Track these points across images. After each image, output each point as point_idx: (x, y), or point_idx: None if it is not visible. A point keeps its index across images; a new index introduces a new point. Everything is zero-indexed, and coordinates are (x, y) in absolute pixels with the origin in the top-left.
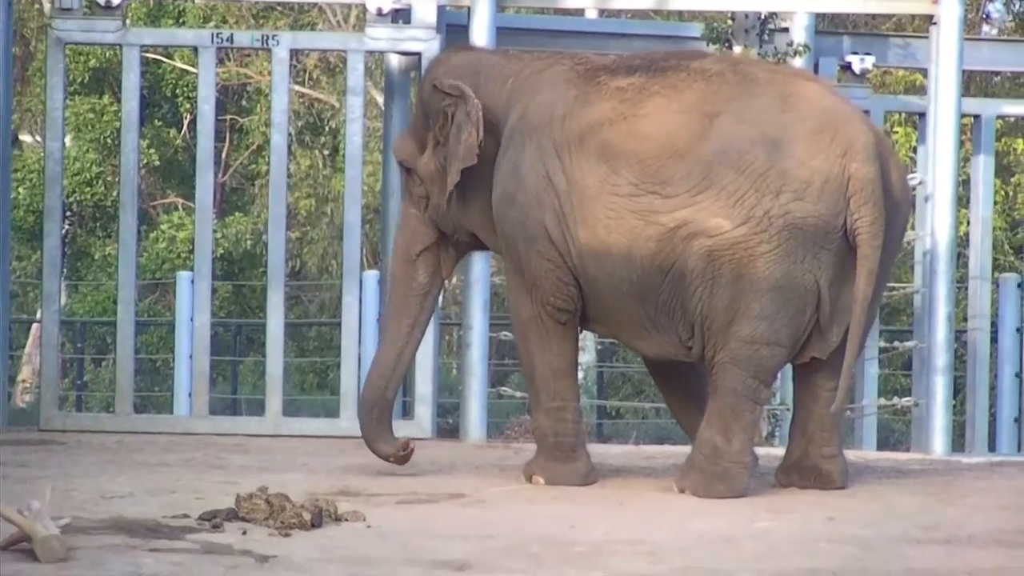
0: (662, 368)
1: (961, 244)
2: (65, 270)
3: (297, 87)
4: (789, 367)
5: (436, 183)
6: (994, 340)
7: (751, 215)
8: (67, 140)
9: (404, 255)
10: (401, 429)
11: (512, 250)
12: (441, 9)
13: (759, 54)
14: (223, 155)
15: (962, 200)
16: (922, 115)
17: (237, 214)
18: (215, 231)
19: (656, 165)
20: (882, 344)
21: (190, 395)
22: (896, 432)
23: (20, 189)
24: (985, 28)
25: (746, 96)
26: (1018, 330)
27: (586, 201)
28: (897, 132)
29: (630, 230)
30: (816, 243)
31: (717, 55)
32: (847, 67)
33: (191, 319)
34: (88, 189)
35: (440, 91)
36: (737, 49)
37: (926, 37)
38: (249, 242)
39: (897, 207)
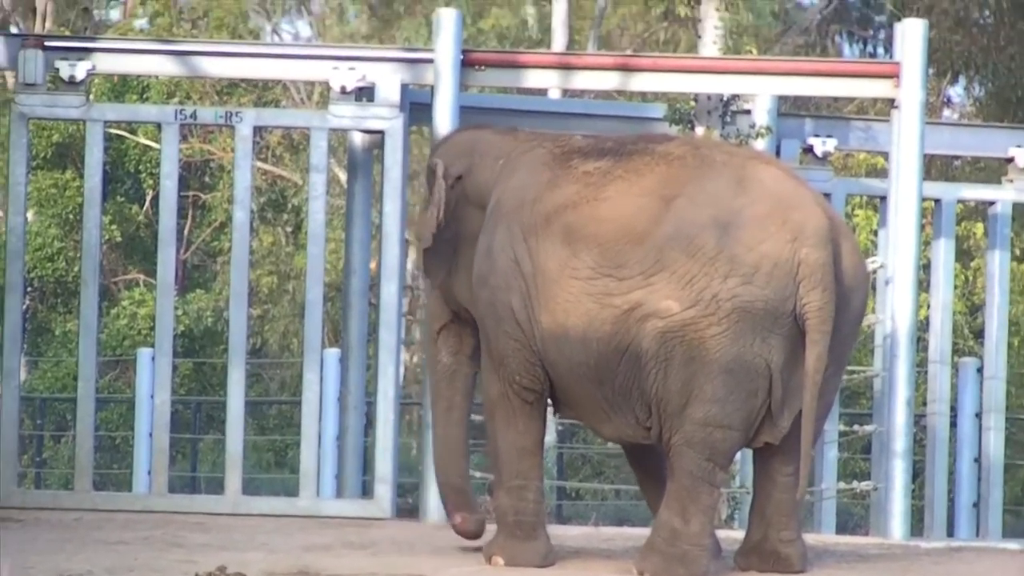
0: (636, 450)
1: (921, 328)
2: (25, 345)
3: (260, 164)
4: (749, 450)
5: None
6: (953, 425)
7: (700, 298)
8: (29, 215)
9: (429, 335)
10: (360, 508)
11: (484, 329)
12: (404, 88)
13: (721, 135)
14: (185, 231)
15: (922, 284)
16: (883, 198)
17: (199, 291)
18: (176, 308)
19: (614, 248)
20: (841, 428)
21: (149, 472)
22: (855, 516)
23: None
24: (946, 112)
25: (702, 179)
26: (977, 415)
27: (548, 284)
28: (858, 215)
29: (586, 313)
30: (766, 327)
31: (684, 138)
32: (809, 149)
33: (151, 396)
34: (49, 264)
35: (431, 170)
36: (700, 130)
37: (888, 121)
38: (210, 319)
39: (850, 292)
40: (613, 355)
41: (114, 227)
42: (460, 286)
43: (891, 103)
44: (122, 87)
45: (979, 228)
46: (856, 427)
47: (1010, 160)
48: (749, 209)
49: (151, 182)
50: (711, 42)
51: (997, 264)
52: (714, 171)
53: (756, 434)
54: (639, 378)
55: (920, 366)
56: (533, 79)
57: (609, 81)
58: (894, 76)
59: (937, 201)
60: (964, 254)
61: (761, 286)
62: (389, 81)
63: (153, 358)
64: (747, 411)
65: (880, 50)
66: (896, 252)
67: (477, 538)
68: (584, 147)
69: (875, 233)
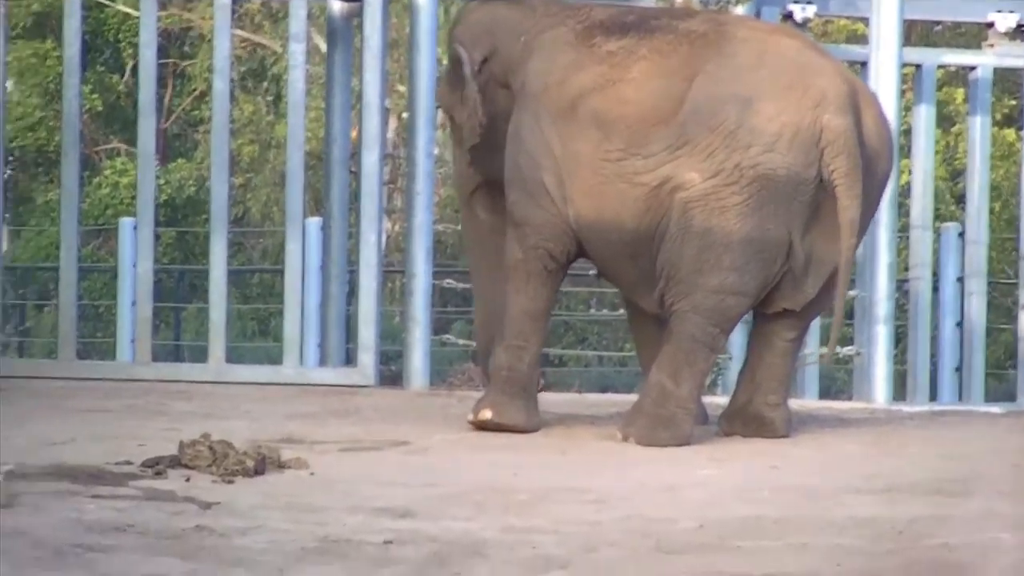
0: (640, 319)
1: (902, 194)
2: (7, 215)
3: (240, 32)
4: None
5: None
6: (935, 290)
7: (721, 168)
8: (9, 85)
9: (461, 198)
10: (343, 376)
11: (511, 201)
12: None
13: (701, 2)
14: (166, 101)
15: (903, 150)
16: (863, 64)
17: (180, 160)
18: (158, 177)
19: (642, 130)
20: None
21: (133, 341)
22: (838, 381)
23: None
24: None
25: (723, 56)
26: (959, 279)
27: (580, 168)
28: None
29: (619, 193)
30: (788, 195)
31: (706, 14)
32: (789, 16)
33: (134, 265)
34: (30, 134)
35: (456, 55)
36: None
37: None
38: (192, 188)
39: (876, 156)
40: (647, 231)
41: (95, 96)
42: (491, 160)
43: None
44: None
45: (960, 93)
46: None
47: (990, 25)
48: (770, 82)
49: (131, 51)
50: None
51: (978, 129)
52: (735, 46)
53: (776, 299)
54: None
55: (902, 231)
56: None
57: None
58: None
59: (918, 67)
60: (945, 119)
61: (783, 153)
62: None
63: (135, 227)
64: (763, 279)
65: None
66: None
67: None
68: (606, 21)
69: None
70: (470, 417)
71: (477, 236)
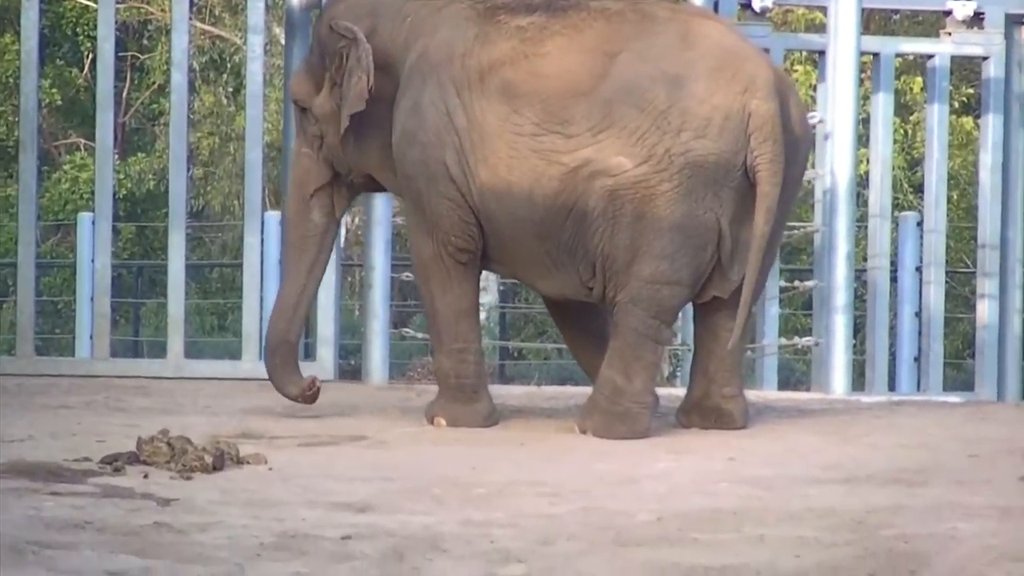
0: (562, 308)
1: (861, 183)
2: None
3: (199, 24)
4: (690, 307)
5: (332, 123)
6: (894, 279)
7: (652, 153)
8: None
9: (298, 195)
10: (303, 370)
11: (412, 190)
12: None
13: None
14: (124, 95)
15: (862, 139)
16: (822, 53)
17: (139, 154)
18: (117, 171)
19: (558, 105)
20: (782, 284)
21: (91, 337)
22: (796, 372)
23: None
24: None
25: (646, 35)
26: (917, 269)
27: (487, 139)
28: (797, 71)
29: (532, 169)
30: (717, 181)
31: None
32: (747, 5)
33: (92, 260)
34: None
35: (336, 32)
36: None
37: None
38: (152, 182)
39: (797, 144)
40: (559, 212)
41: (54, 91)
42: (364, 150)
43: None
44: None
45: (917, 82)
46: (797, 283)
47: (948, 13)
48: (699, 62)
49: (89, 45)
50: None
51: (936, 118)
52: (658, 26)
53: (705, 288)
54: (584, 235)
55: (860, 221)
56: None
57: None
58: None
59: (876, 55)
60: (903, 108)
61: (714, 139)
62: None
63: (94, 222)
64: (696, 267)
65: None
66: (835, 107)
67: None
68: (508, 3)
69: (814, 88)
70: (425, 420)
71: (306, 238)
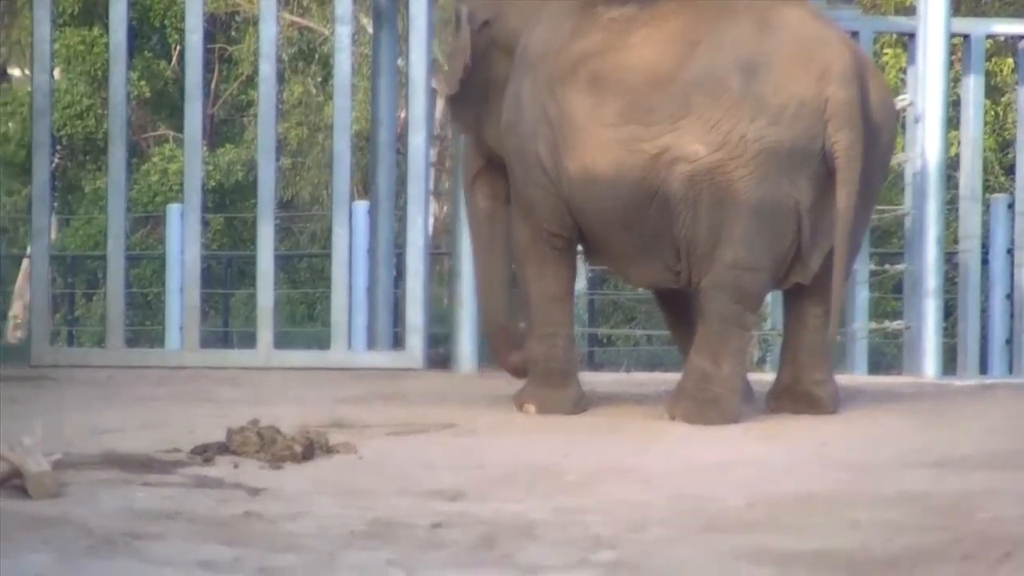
0: (666, 295)
1: (951, 166)
2: (56, 204)
3: (288, 15)
4: (780, 292)
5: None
6: (985, 262)
7: (727, 140)
8: (57, 73)
9: (465, 183)
10: (392, 360)
11: (512, 177)
12: None
13: None
14: (212, 86)
15: (952, 121)
16: (911, 36)
17: (228, 145)
18: (206, 163)
19: (641, 95)
20: (872, 267)
21: (181, 328)
22: (887, 356)
23: (10, 123)
24: None
25: (726, 23)
26: (1009, 251)
27: (576, 131)
28: (887, 54)
29: (615, 159)
30: (794, 167)
31: None
32: None
33: (182, 252)
34: (79, 122)
35: (455, 17)
36: None
37: None
38: (240, 173)
39: (879, 130)
40: (643, 200)
41: (143, 83)
42: (490, 132)
43: None
44: None
45: (1008, 63)
46: (887, 266)
47: None
48: (775, 50)
49: (177, 37)
50: None
51: None
52: (737, 15)
53: (786, 275)
54: (668, 222)
55: (951, 203)
56: None
57: None
58: None
59: (966, 37)
60: (994, 90)
61: (788, 126)
62: None
63: (183, 213)
64: (776, 252)
65: None
66: (925, 89)
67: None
68: None
69: (904, 71)
70: (514, 407)
71: (477, 224)
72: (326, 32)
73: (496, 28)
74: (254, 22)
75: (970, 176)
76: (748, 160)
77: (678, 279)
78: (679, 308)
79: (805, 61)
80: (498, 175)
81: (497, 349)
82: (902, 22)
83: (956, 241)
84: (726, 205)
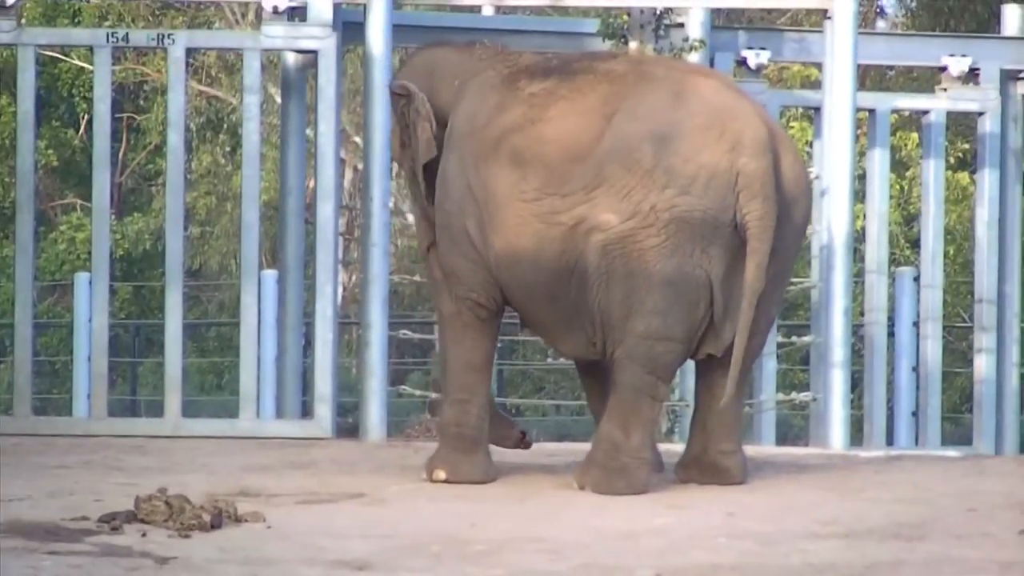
0: (587, 366)
1: (857, 239)
2: None
3: (196, 85)
4: (691, 362)
5: (413, 181)
6: (891, 334)
7: (638, 210)
8: None
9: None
10: (300, 429)
11: (440, 247)
12: (337, 7)
13: (655, 49)
14: (121, 155)
15: (858, 194)
16: (818, 109)
17: (136, 214)
18: (114, 231)
19: (559, 168)
20: (780, 339)
21: (89, 396)
22: (795, 427)
23: None
24: (880, 23)
25: (641, 94)
26: (915, 324)
27: (499, 207)
28: (794, 127)
29: (535, 233)
30: (705, 238)
31: (629, 55)
32: (743, 62)
33: (89, 320)
34: None
35: (394, 93)
36: (633, 45)
37: (821, 32)
38: (148, 242)
39: (792, 202)
40: (563, 273)
41: (50, 152)
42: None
43: (824, 13)
44: (54, 11)
45: (913, 138)
46: (794, 338)
47: (943, 69)
48: (687, 121)
49: (86, 106)
50: None
51: (932, 173)
52: (653, 85)
53: (699, 346)
54: (585, 293)
55: (857, 276)
56: None
57: None
58: None
59: (871, 111)
60: (899, 164)
61: (699, 195)
62: (322, 0)
63: (91, 282)
64: (689, 323)
65: None
66: (832, 163)
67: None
68: (531, 66)
69: (810, 144)
70: (423, 476)
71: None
72: (234, 102)
73: (432, 105)
74: (162, 91)
75: (876, 249)
76: (659, 229)
77: (595, 349)
78: (598, 379)
79: (717, 131)
80: None
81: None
82: (808, 96)
83: (863, 313)
84: (638, 275)
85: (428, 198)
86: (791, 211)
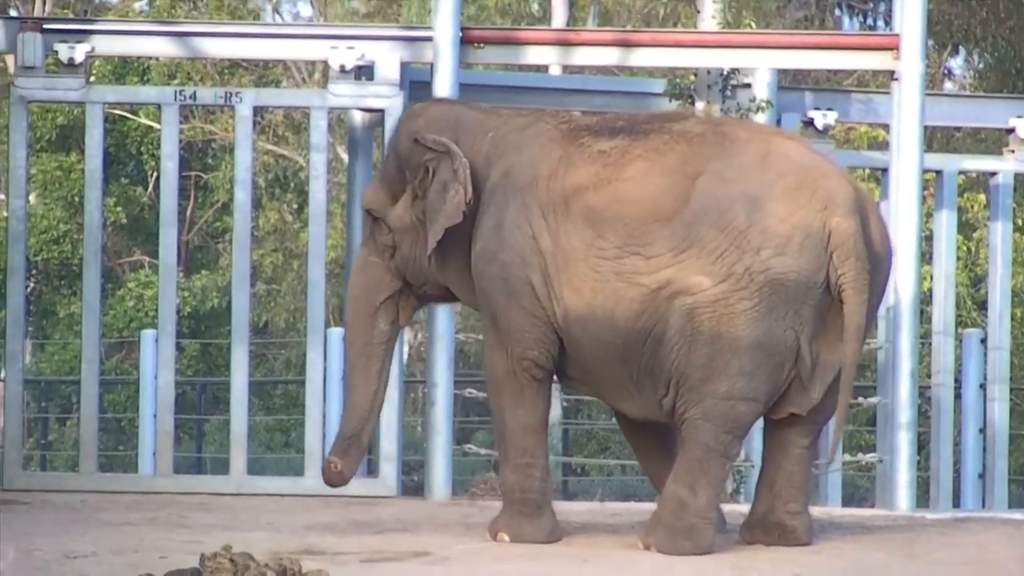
0: (637, 426)
1: (924, 300)
2: (30, 328)
3: (263, 143)
4: (758, 423)
5: (408, 235)
6: (958, 396)
7: (732, 272)
8: (33, 198)
9: (366, 303)
10: (365, 487)
11: (490, 306)
12: (404, 66)
13: (722, 110)
14: (188, 212)
15: (925, 256)
16: (884, 171)
17: (203, 272)
18: (181, 289)
19: (641, 228)
20: None
21: (154, 454)
22: (861, 488)
23: None
24: (947, 84)
25: (726, 156)
26: (981, 386)
27: (572, 263)
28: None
29: (614, 292)
30: (797, 299)
31: (699, 116)
32: (810, 123)
33: (156, 377)
34: (55, 247)
35: (422, 145)
36: (700, 105)
37: (888, 93)
38: (215, 299)
39: (879, 261)
40: (640, 334)
41: (119, 209)
42: (443, 264)
43: (891, 75)
44: (123, 69)
45: (981, 199)
46: (861, 399)
47: (1011, 131)
48: (778, 182)
49: (153, 163)
50: (710, 16)
51: (999, 235)
52: (737, 147)
53: (782, 405)
54: (662, 355)
55: (924, 338)
56: (533, 56)
57: (609, 57)
58: (894, 48)
59: (939, 172)
60: (966, 225)
61: (794, 257)
62: (388, 59)
63: (157, 339)
64: (773, 384)
65: (879, 22)
66: (898, 224)
67: (338, 487)
68: (592, 125)
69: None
70: (487, 536)
71: (369, 344)
72: (301, 160)
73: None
74: (230, 149)
75: (943, 310)
76: (752, 292)
77: (664, 411)
78: (650, 439)
79: (809, 192)
80: (406, 301)
81: (333, 450)
82: (875, 157)
83: (929, 375)
84: (725, 338)
85: (436, 256)
86: (876, 270)
